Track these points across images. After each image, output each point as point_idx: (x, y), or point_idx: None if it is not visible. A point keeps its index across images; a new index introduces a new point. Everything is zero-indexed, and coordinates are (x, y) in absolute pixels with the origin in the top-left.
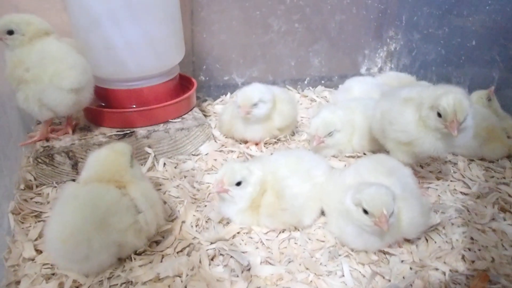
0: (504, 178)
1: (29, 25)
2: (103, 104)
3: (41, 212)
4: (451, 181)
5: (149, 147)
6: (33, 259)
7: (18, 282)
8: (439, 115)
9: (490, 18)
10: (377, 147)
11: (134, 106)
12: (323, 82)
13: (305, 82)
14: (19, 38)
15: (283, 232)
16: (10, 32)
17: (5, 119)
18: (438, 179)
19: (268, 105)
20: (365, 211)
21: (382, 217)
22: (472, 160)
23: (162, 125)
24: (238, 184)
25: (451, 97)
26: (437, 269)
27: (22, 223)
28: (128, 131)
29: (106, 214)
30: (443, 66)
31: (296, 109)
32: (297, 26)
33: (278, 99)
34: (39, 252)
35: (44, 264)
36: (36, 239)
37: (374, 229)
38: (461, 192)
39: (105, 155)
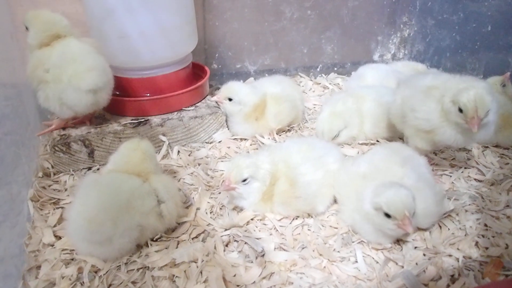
0: None
1: (35, 19)
2: (118, 93)
3: (59, 199)
4: (465, 168)
5: (163, 135)
6: (52, 245)
7: (38, 267)
8: (460, 110)
9: (505, 3)
10: (391, 134)
11: (148, 94)
12: (335, 69)
13: (318, 69)
14: (29, 34)
15: (296, 219)
16: (27, 28)
17: (22, 108)
18: (452, 166)
19: (242, 108)
20: (387, 215)
21: (405, 219)
22: (487, 147)
23: (176, 113)
24: (245, 181)
25: (472, 92)
26: (450, 256)
27: (41, 209)
28: (142, 119)
29: (130, 198)
30: (457, 52)
31: (298, 106)
32: (310, 13)
33: (275, 100)
34: (58, 238)
35: (63, 250)
36: (55, 225)
37: (397, 231)
38: (475, 179)
39: (134, 155)
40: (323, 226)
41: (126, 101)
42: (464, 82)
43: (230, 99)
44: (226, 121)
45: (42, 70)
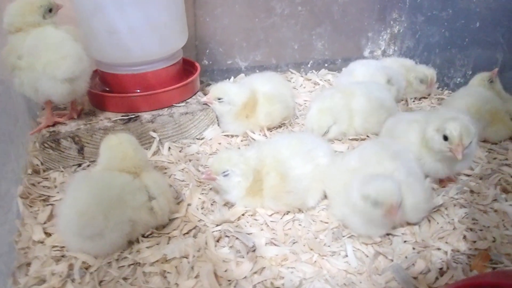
0: (507, 159)
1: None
2: (108, 89)
3: (48, 196)
4: None
5: (154, 131)
6: (42, 242)
7: (28, 264)
8: (445, 138)
9: (494, 0)
10: (381, 129)
11: (138, 90)
12: (326, 65)
13: (309, 65)
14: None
15: (287, 214)
16: None
17: (11, 104)
18: None
19: (231, 107)
20: (374, 204)
21: (393, 208)
22: None
23: (166, 109)
24: (225, 172)
25: (458, 121)
26: (439, 249)
27: (31, 207)
28: (133, 116)
29: (121, 192)
30: (446, 48)
31: (289, 104)
32: (300, 9)
33: (267, 100)
34: (48, 235)
35: (53, 247)
36: (44, 222)
37: (384, 221)
38: (463, 174)
39: (126, 152)
40: (313, 221)
41: (116, 97)
42: (449, 113)
43: (219, 99)
44: (217, 117)
45: (15, 57)
